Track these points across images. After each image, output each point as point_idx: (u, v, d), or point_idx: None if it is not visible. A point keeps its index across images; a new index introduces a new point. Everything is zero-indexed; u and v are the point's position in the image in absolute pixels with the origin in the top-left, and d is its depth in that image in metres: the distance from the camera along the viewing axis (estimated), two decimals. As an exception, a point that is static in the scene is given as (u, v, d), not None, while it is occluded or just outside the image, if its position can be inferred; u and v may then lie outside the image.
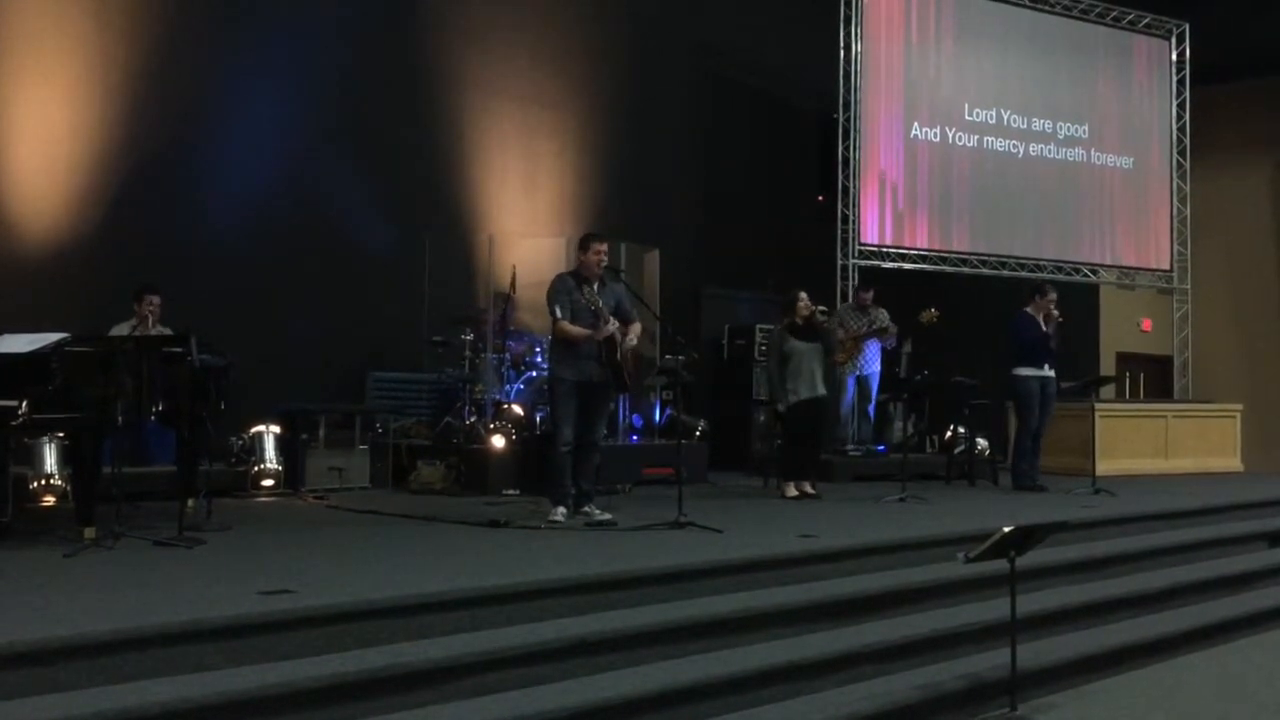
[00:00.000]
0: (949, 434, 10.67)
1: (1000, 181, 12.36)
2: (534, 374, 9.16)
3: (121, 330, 7.24)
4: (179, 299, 7.62)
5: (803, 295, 8.47)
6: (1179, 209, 13.36)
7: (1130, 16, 13.10)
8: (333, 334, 9.52)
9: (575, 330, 6.70)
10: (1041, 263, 12.46)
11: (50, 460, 6.96)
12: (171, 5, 9.12)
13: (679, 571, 5.17)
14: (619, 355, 6.73)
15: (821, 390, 8.46)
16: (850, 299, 10.81)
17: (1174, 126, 13.36)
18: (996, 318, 10.00)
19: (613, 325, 6.70)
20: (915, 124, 11.90)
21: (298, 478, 8.25)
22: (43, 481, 6.94)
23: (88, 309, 7.64)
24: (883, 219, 11.72)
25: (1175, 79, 13.37)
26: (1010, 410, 9.95)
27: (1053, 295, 9.32)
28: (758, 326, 11.26)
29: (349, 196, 9.90)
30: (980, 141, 12.24)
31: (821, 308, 8.74)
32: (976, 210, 12.23)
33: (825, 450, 9.64)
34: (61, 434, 6.48)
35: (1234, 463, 11.91)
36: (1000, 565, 4.50)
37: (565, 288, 6.79)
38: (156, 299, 7.37)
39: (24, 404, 5.31)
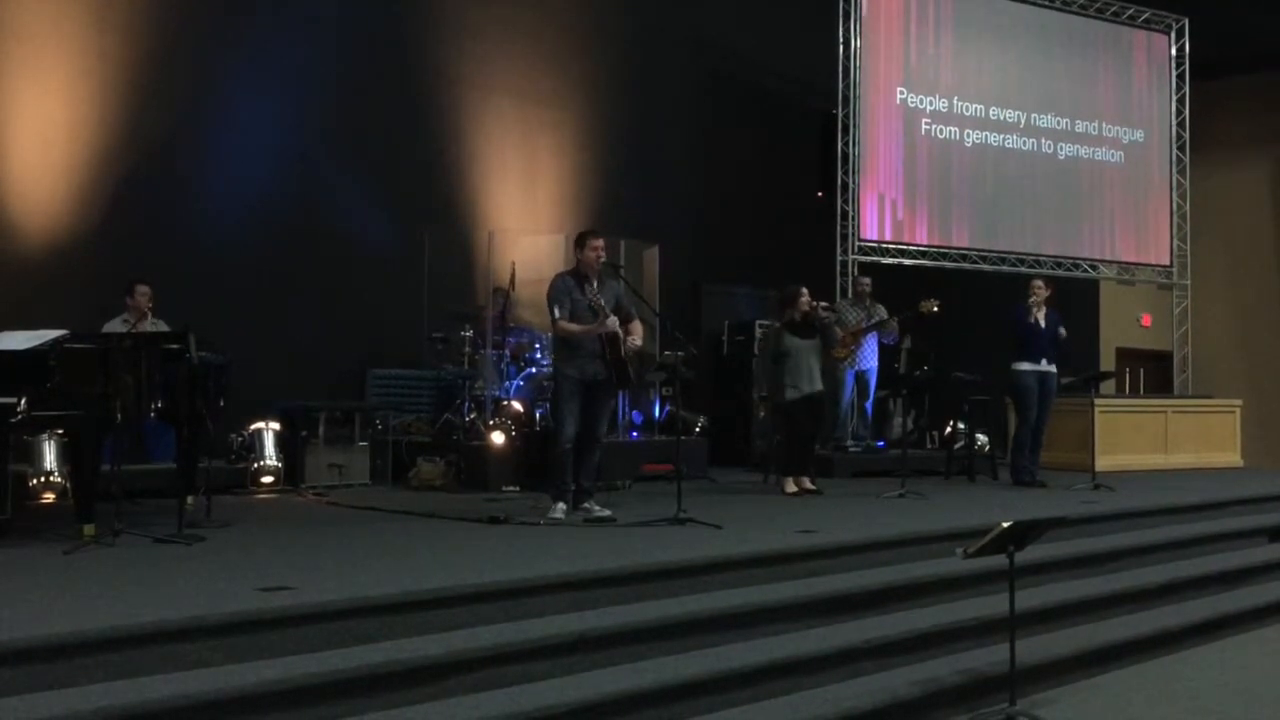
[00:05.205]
0: (949, 429, 10.66)
1: (1000, 177, 12.35)
2: (534, 370, 9.16)
3: (115, 326, 7.23)
4: (178, 296, 7.62)
5: (804, 291, 8.47)
6: (1179, 204, 13.35)
7: (1130, 11, 13.09)
8: (332, 331, 9.54)
9: (575, 327, 6.70)
10: (1041, 258, 12.45)
11: (49, 457, 6.96)
12: (170, 3, 9.12)
13: (678, 567, 5.17)
14: (622, 352, 6.72)
15: (819, 386, 8.47)
16: (849, 293, 10.81)
17: (1174, 121, 13.34)
18: (996, 313, 10.00)
19: (613, 321, 6.70)
20: (915, 120, 11.89)
21: (298, 475, 8.26)
22: (42, 479, 6.94)
23: (86, 306, 7.63)
24: (882, 215, 11.71)
25: (1175, 74, 13.36)
26: (1010, 405, 9.95)
27: (1036, 285, 9.33)
28: (757, 322, 11.26)
29: (348, 194, 9.90)
30: (980, 137, 12.23)
31: (823, 303, 8.73)
32: (976, 206, 12.23)
33: (824, 446, 9.65)
34: (61, 431, 6.49)
35: (1234, 458, 11.91)
36: (1000, 560, 4.50)
37: (565, 287, 6.78)
38: (147, 290, 7.36)
39: (23, 401, 5.31)
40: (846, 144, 11.52)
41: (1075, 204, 12.76)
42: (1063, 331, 9.25)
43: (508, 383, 9.11)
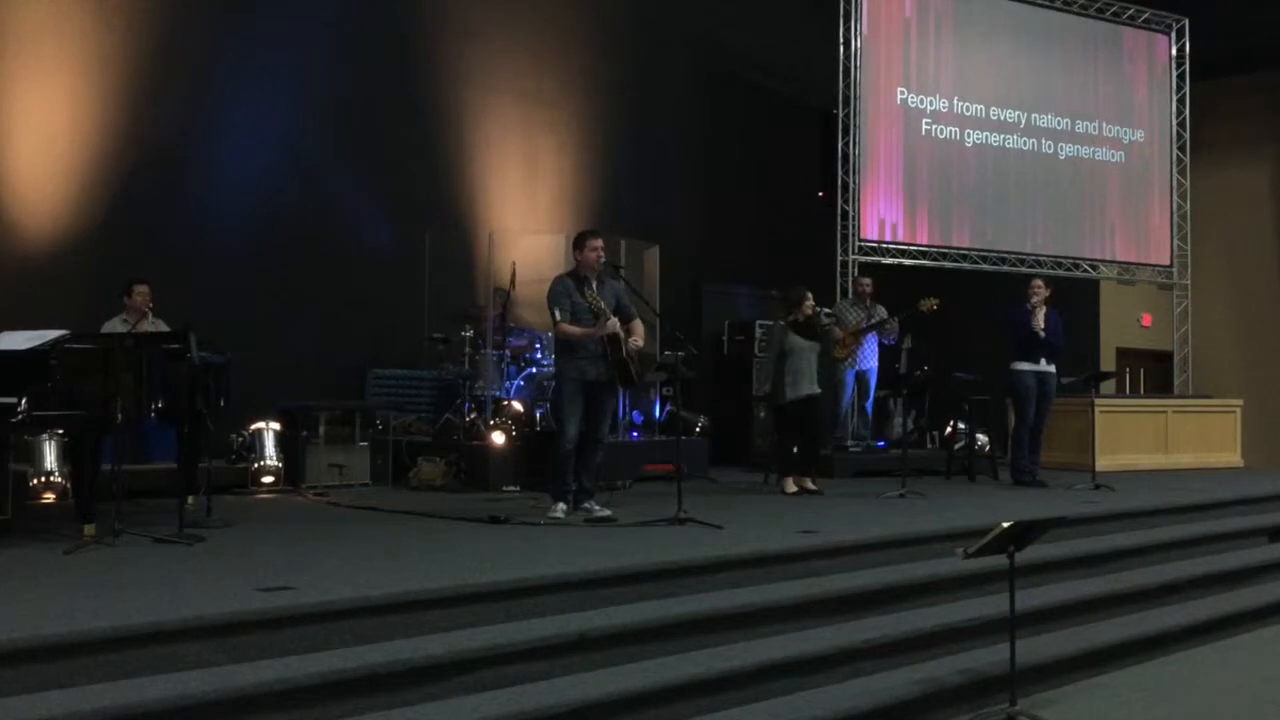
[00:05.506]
0: (949, 429, 10.67)
1: (1000, 177, 12.35)
2: (534, 370, 9.17)
3: (115, 325, 7.23)
4: (179, 296, 7.62)
5: (809, 295, 8.51)
6: (1179, 204, 13.34)
7: (1130, 11, 13.09)
8: (333, 331, 9.55)
9: (576, 330, 6.70)
10: (1041, 258, 12.46)
11: (50, 457, 6.96)
12: (171, 3, 9.12)
13: (679, 567, 5.17)
14: (624, 352, 6.72)
15: (818, 388, 8.50)
16: (849, 293, 10.82)
17: (1174, 121, 13.34)
18: (996, 313, 10.00)
19: (614, 322, 6.70)
20: (915, 120, 11.89)
21: (298, 475, 8.26)
22: (43, 479, 6.95)
23: (87, 307, 7.63)
24: (883, 215, 11.71)
25: (1175, 74, 13.36)
26: (1010, 405, 9.95)
27: (1036, 285, 9.33)
28: (757, 322, 11.27)
29: (349, 194, 9.91)
30: (980, 137, 12.23)
31: (826, 309, 8.75)
32: (976, 206, 12.22)
33: (824, 447, 9.65)
34: (61, 431, 6.49)
35: (1234, 458, 11.90)
36: (1000, 560, 4.50)
37: (565, 290, 6.78)
38: (145, 289, 7.36)
39: (24, 401, 5.31)
40: (847, 144, 11.52)
41: (1075, 204, 12.76)
42: (1038, 320, 9.21)
43: (508, 382, 9.12)
